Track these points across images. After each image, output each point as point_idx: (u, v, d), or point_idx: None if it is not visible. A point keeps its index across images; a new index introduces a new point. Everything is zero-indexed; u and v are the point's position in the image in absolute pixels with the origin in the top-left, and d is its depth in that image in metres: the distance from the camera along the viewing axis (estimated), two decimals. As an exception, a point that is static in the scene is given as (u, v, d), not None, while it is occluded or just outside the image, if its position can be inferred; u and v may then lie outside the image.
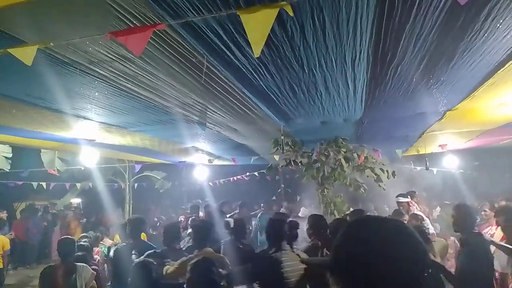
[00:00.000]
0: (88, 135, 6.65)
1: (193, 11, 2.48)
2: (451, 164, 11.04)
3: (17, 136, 6.54)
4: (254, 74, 3.82)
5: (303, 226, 5.40)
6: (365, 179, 7.86)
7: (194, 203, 11.12)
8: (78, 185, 14.01)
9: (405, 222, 6.03)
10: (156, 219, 12.73)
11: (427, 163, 9.71)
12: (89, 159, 8.11)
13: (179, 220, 9.86)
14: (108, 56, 3.28)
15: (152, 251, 4.63)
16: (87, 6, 2.52)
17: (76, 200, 16.76)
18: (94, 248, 7.10)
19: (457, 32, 2.99)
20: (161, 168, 15.39)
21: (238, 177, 14.65)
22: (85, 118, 5.39)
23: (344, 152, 7.38)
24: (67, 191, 14.99)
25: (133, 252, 4.92)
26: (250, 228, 9.61)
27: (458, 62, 3.65)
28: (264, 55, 3.32)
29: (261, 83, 4.12)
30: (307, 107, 5.21)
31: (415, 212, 6.67)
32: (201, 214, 9.44)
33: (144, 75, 3.80)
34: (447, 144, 9.05)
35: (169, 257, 4.62)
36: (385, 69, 3.77)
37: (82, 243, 6.03)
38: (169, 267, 4.33)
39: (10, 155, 11.08)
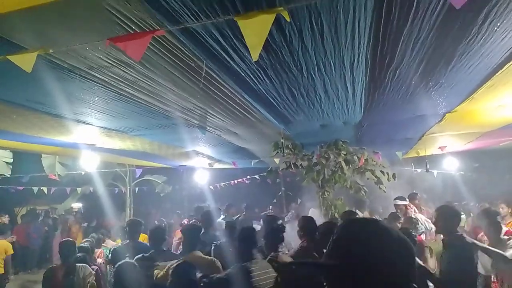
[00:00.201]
0: (88, 140, 6.66)
1: (191, 17, 2.50)
2: (451, 166, 11.04)
3: (17, 141, 6.55)
4: (253, 79, 3.83)
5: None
6: (365, 181, 7.86)
7: (202, 206, 11.04)
8: (79, 189, 14.03)
9: (400, 225, 6.07)
10: (160, 222, 12.68)
11: (427, 165, 9.72)
12: (89, 163, 8.12)
13: (182, 222, 9.86)
14: (107, 62, 3.30)
15: (141, 255, 4.77)
16: (86, 12, 2.53)
17: (77, 205, 16.75)
18: (96, 250, 7.19)
19: (455, 35, 3.00)
20: (161, 172, 15.40)
21: (239, 180, 14.64)
22: (85, 123, 5.41)
23: (344, 154, 7.39)
24: (68, 195, 14.98)
25: (126, 255, 5.12)
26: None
27: (456, 65, 3.66)
28: (263, 60, 3.33)
29: (261, 87, 4.13)
30: (307, 111, 5.22)
31: (410, 216, 6.70)
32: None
33: (144, 80, 3.81)
34: (447, 146, 9.05)
35: (157, 260, 4.77)
36: (384, 72, 3.78)
37: (82, 244, 6.14)
38: (159, 271, 4.46)
39: (11, 160, 11.10)
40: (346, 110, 5.26)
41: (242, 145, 8.19)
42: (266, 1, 2.31)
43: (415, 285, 1.09)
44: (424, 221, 6.84)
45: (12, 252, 8.74)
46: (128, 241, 5.72)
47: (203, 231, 5.54)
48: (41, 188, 12.14)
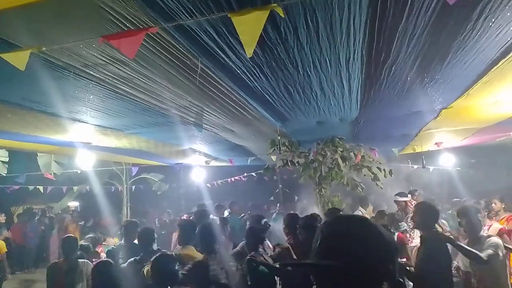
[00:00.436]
0: (84, 138, 6.64)
1: (185, 14, 2.49)
2: (448, 162, 11.05)
3: (13, 140, 6.52)
4: (249, 76, 3.82)
5: None
6: (362, 178, 7.88)
7: (203, 204, 11.08)
8: (75, 188, 13.98)
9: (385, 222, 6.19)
10: (164, 219, 12.68)
11: (424, 161, 9.74)
12: (85, 162, 8.09)
13: (181, 218, 9.88)
14: (102, 59, 3.28)
15: (133, 259, 4.77)
16: (80, 10, 2.52)
17: (73, 203, 16.69)
18: (97, 247, 7.18)
19: (450, 31, 3.00)
20: (158, 170, 15.36)
21: (236, 178, 14.64)
22: (80, 121, 5.39)
23: (341, 151, 7.40)
24: (64, 194, 14.94)
25: (120, 256, 5.24)
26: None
27: (452, 61, 3.66)
28: (258, 57, 3.32)
29: (256, 85, 4.12)
30: (303, 108, 5.22)
31: (393, 213, 6.75)
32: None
33: (139, 78, 3.79)
34: (443, 142, 9.07)
35: (147, 261, 4.73)
36: (380, 68, 3.78)
37: (82, 243, 6.19)
38: (147, 268, 4.49)
39: (7, 159, 11.05)
40: (342, 107, 5.26)
41: (239, 143, 8.19)
42: (260, -3, 2.30)
43: (400, 280, 1.11)
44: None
45: (6, 250, 8.70)
46: (124, 241, 5.73)
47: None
48: (37, 187, 12.09)
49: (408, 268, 4.20)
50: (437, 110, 5.70)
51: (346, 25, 2.81)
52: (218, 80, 3.97)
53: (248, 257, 4.50)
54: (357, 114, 5.80)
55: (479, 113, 5.90)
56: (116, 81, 3.86)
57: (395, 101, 5.06)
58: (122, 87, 4.05)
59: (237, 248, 5.40)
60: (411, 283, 4.15)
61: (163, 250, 5.27)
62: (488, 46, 3.34)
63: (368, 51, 3.33)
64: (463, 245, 4.32)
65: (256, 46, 2.37)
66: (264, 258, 4.56)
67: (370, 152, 7.96)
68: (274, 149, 7.13)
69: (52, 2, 2.34)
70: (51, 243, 12.72)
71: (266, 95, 4.54)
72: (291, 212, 6.26)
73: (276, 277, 4.60)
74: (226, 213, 9.57)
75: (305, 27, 2.80)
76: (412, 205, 7.53)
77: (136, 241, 5.47)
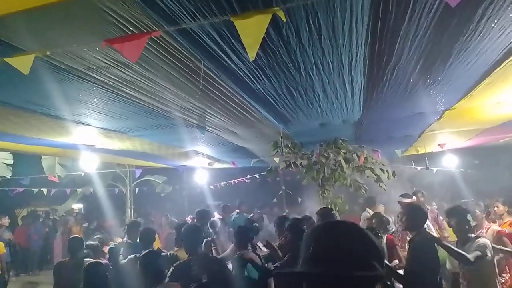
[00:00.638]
0: (87, 141, 6.67)
1: (188, 17, 2.50)
2: (451, 163, 11.02)
3: (17, 142, 6.56)
4: (252, 78, 3.83)
5: None
6: (365, 179, 7.87)
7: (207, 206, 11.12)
8: (79, 190, 14.01)
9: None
10: (171, 220, 12.71)
11: (427, 163, 9.72)
12: (89, 164, 8.12)
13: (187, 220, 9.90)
14: (105, 62, 3.30)
15: (133, 256, 4.92)
16: (84, 14, 2.54)
17: (77, 206, 16.75)
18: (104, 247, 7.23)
19: (452, 32, 3.00)
20: (161, 172, 15.39)
21: (239, 179, 14.64)
22: (84, 123, 5.41)
23: (344, 153, 7.39)
24: (68, 196, 14.98)
25: (120, 253, 5.39)
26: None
27: (454, 62, 3.66)
28: (261, 60, 3.33)
29: (259, 87, 4.13)
30: (306, 110, 5.22)
31: (381, 214, 6.72)
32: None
33: (142, 80, 3.81)
34: (446, 143, 9.05)
35: None
36: (382, 70, 3.78)
37: (91, 242, 6.28)
38: None
39: (11, 162, 11.11)
40: (345, 108, 5.26)
41: (242, 145, 8.20)
42: (262, 1, 2.31)
43: (388, 283, 1.11)
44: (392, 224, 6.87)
45: (4, 251, 8.69)
46: (127, 240, 5.92)
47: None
48: (41, 189, 12.14)
49: (395, 270, 4.22)
50: (440, 112, 5.69)
51: (348, 27, 2.82)
52: (221, 82, 3.98)
53: (236, 254, 4.64)
54: (359, 116, 5.80)
55: (482, 114, 5.88)
56: (119, 84, 3.88)
57: (398, 102, 5.06)
58: (126, 89, 4.07)
59: (227, 251, 5.56)
60: (400, 285, 4.15)
61: (163, 250, 5.37)
62: (491, 47, 3.34)
63: (370, 53, 3.34)
64: (450, 245, 4.31)
65: (258, 49, 2.38)
66: (255, 257, 4.64)
67: (373, 153, 7.95)
68: (277, 151, 7.13)
69: (55, 6, 2.35)
70: (55, 245, 12.77)
71: (268, 97, 4.55)
72: (283, 214, 6.43)
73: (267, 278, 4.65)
74: (235, 214, 9.59)
75: (307, 29, 2.81)
76: None
77: (137, 241, 5.60)
